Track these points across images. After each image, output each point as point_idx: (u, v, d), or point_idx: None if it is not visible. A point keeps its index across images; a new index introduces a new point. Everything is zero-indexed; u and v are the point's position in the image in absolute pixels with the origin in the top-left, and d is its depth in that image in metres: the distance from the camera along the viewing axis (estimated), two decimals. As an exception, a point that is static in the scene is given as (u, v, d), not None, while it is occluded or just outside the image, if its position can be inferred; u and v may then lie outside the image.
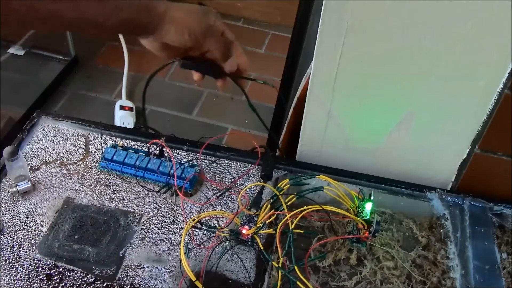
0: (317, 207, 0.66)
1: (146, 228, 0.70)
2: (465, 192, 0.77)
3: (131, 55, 1.80)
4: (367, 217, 0.66)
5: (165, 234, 0.70)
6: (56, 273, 0.64)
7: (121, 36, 1.76)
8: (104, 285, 0.64)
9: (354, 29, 0.65)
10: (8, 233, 0.68)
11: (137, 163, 0.76)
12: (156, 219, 0.72)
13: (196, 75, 0.71)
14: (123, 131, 0.84)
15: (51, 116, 0.84)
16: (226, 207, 0.74)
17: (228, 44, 0.69)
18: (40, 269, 0.64)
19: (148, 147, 0.78)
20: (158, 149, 0.77)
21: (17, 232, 0.68)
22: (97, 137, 0.82)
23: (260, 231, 0.67)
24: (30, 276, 0.64)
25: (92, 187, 0.75)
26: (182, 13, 0.63)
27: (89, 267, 0.65)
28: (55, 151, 0.79)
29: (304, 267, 0.63)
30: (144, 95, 0.77)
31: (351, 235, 0.69)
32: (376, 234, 0.65)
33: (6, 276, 0.63)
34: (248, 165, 0.80)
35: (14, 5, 0.52)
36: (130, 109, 1.66)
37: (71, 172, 0.77)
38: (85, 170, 0.77)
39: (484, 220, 0.75)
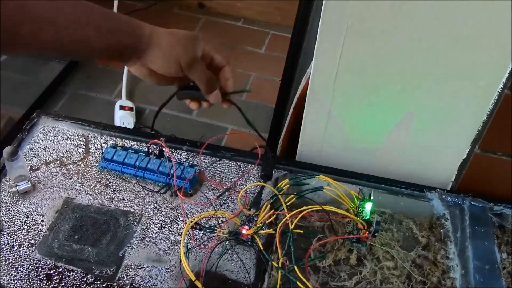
0: (317, 207, 0.66)
1: (146, 228, 0.70)
2: (465, 192, 0.77)
3: (131, 55, 1.80)
4: (367, 217, 0.66)
5: (165, 234, 0.70)
6: (56, 273, 0.64)
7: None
8: (104, 285, 0.64)
9: (354, 29, 0.65)
10: (8, 233, 0.68)
11: (137, 163, 0.76)
12: (156, 219, 0.72)
13: (193, 105, 0.72)
14: (123, 131, 0.84)
15: (51, 116, 0.84)
16: (226, 207, 0.74)
17: (212, 77, 0.67)
18: (40, 269, 0.64)
19: (148, 147, 0.78)
20: (158, 149, 0.77)
21: (17, 232, 0.68)
22: (97, 137, 0.82)
23: (260, 231, 0.67)
24: (30, 276, 0.64)
25: (92, 187, 0.75)
26: (168, 40, 0.62)
27: (89, 267, 0.65)
28: (55, 151, 0.79)
29: (304, 267, 0.63)
30: (153, 124, 0.80)
31: (351, 235, 0.69)
32: (376, 234, 0.65)
33: (6, 276, 0.63)
34: (248, 165, 0.80)
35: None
36: (130, 109, 1.66)
37: (71, 172, 0.77)
38: (85, 170, 0.77)
39: (484, 220, 0.75)
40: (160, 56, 0.62)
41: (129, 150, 0.78)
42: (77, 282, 0.64)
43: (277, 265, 0.63)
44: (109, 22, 0.58)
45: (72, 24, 0.55)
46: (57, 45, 0.55)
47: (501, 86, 0.68)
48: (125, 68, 1.78)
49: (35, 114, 0.85)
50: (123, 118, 1.63)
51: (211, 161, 0.81)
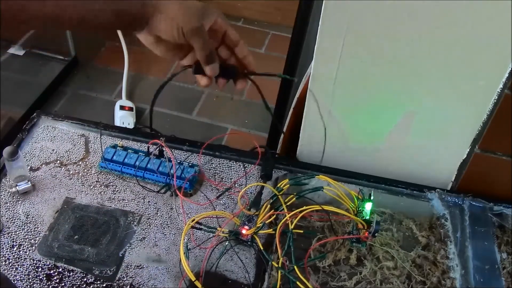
0: (317, 207, 0.66)
1: (146, 228, 0.70)
2: (465, 192, 0.77)
3: (131, 55, 1.80)
4: (367, 217, 0.66)
5: (164, 234, 0.70)
6: (56, 273, 0.64)
7: (121, 36, 1.76)
8: (104, 285, 0.64)
9: (354, 29, 0.65)
10: (8, 233, 0.68)
11: (137, 163, 0.76)
12: (155, 219, 0.72)
13: (203, 80, 0.69)
14: (123, 131, 0.84)
15: (51, 116, 0.84)
16: (226, 207, 0.74)
17: (213, 48, 0.66)
18: (40, 269, 0.64)
19: (148, 147, 0.78)
20: (158, 149, 0.77)
21: (17, 232, 0.68)
22: (97, 137, 0.82)
23: (260, 231, 0.67)
24: (30, 276, 0.64)
25: (92, 187, 0.75)
26: (175, 7, 0.62)
27: (89, 267, 0.65)
28: (55, 151, 0.79)
29: (304, 267, 0.63)
30: (155, 99, 0.76)
31: (351, 235, 0.69)
32: (376, 234, 0.65)
33: (6, 276, 0.63)
34: (248, 165, 0.80)
35: (6, 4, 0.51)
36: (130, 109, 1.66)
37: (71, 172, 0.77)
38: (85, 170, 0.77)
39: (484, 220, 0.75)
40: (164, 21, 0.62)
41: (129, 150, 0.78)
42: (77, 282, 0.64)
43: (277, 265, 0.63)
44: None
45: None
46: (63, 16, 0.56)
47: (501, 86, 0.68)
48: (125, 68, 1.78)
49: (35, 114, 0.85)
50: (123, 118, 1.63)
51: (211, 161, 0.81)
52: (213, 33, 0.66)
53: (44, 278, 0.63)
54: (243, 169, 0.80)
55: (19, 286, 0.62)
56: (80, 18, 0.57)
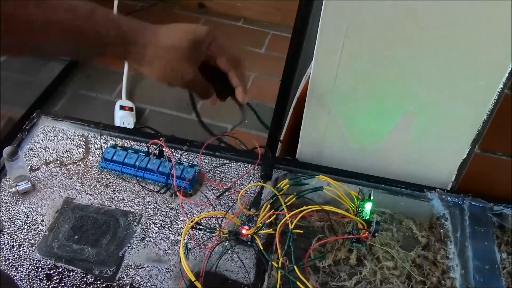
0: (317, 207, 0.66)
1: (145, 228, 0.70)
2: (465, 192, 0.77)
3: (131, 55, 1.80)
4: (367, 217, 0.66)
5: (164, 234, 0.70)
6: (56, 273, 0.64)
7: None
8: (104, 285, 0.64)
9: (354, 29, 0.65)
10: (8, 233, 0.68)
11: (137, 163, 0.76)
12: (155, 219, 0.72)
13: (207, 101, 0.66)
14: (123, 131, 0.84)
15: (51, 116, 0.84)
16: (226, 207, 0.74)
17: (206, 87, 0.63)
18: (40, 269, 0.64)
19: (148, 147, 0.78)
20: (158, 149, 0.77)
21: (17, 232, 0.68)
22: (97, 137, 0.82)
23: (260, 231, 0.67)
24: (30, 276, 0.64)
25: (92, 187, 0.75)
26: (165, 56, 0.58)
27: (89, 267, 0.65)
28: (55, 151, 0.79)
29: (304, 267, 0.63)
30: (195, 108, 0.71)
31: (351, 235, 0.69)
32: (376, 234, 0.65)
33: (8, 274, 0.63)
34: (248, 165, 0.80)
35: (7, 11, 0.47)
36: (130, 109, 1.66)
37: (71, 172, 0.77)
38: (85, 170, 0.77)
39: (484, 220, 0.75)
40: (155, 70, 0.59)
41: (129, 150, 0.78)
42: (77, 282, 0.63)
43: (277, 265, 0.63)
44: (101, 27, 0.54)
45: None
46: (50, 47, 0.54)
47: (501, 86, 0.67)
48: (125, 68, 1.78)
49: (35, 114, 0.85)
50: (123, 118, 1.63)
51: (211, 161, 0.80)
52: (207, 57, 0.63)
53: (44, 278, 0.63)
54: (243, 169, 0.80)
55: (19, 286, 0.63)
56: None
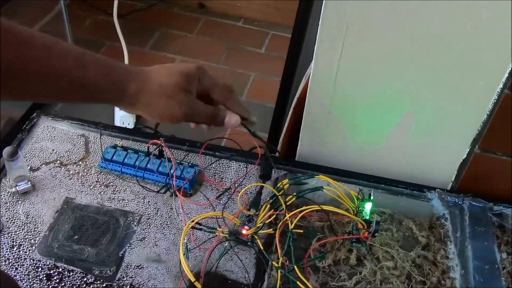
0: (317, 207, 0.66)
1: (145, 228, 0.70)
2: (465, 192, 0.77)
3: (131, 55, 1.80)
4: (367, 217, 0.66)
5: (164, 235, 0.70)
6: (56, 273, 0.64)
7: (121, 36, 1.76)
8: (104, 285, 0.64)
9: (354, 29, 0.65)
10: (8, 233, 0.68)
11: (137, 163, 0.76)
12: (155, 219, 0.72)
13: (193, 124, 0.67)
14: (123, 131, 0.84)
15: (51, 116, 0.84)
16: (226, 207, 0.74)
17: (213, 114, 0.64)
18: (39, 269, 0.64)
19: (148, 147, 0.78)
20: (157, 149, 0.77)
21: (17, 233, 0.68)
22: (96, 137, 0.82)
23: (260, 231, 0.67)
24: (30, 276, 0.64)
25: (91, 187, 0.75)
26: (155, 93, 0.58)
27: (89, 267, 0.65)
28: (54, 151, 0.79)
29: (304, 267, 0.63)
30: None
31: (351, 235, 0.69)
32: (376, 234, 0.65)
33: (7, 274, 0.63)
34: (248, 165, 0.80)
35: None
36: (130, 109, 1.66)
37: (71, 172, 0.77)
38: (85, 170, 0.77)
39: (484, 220, 0.74)
40: (150, 113, 0.59)
41: (129, 150, 0.78)
42: (77, 282, 0.64)
43: (277, 265, 0.63)
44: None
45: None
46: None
47: (501, 86, 0.67)
48: (125, 68, 1.77)
49: (35, 114, 0.85)
50: (123, 118, 1.62)
51: (211, 161, 0.81)
52: (199, 92, 0.63)
53: (44, 278, 0.63)
54: (243, 169, 0.80)
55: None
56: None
